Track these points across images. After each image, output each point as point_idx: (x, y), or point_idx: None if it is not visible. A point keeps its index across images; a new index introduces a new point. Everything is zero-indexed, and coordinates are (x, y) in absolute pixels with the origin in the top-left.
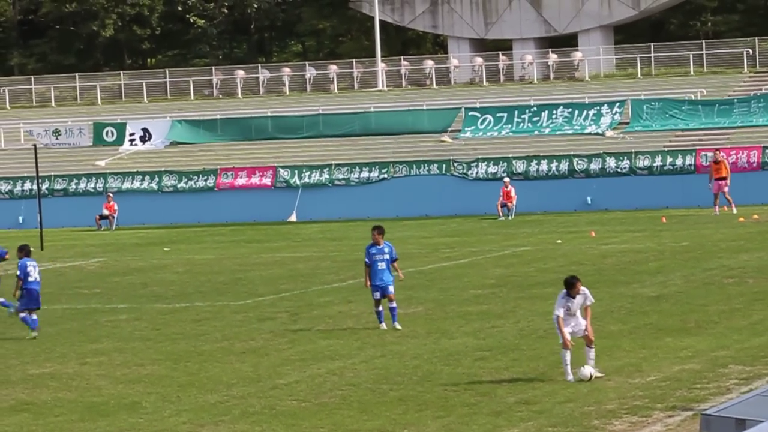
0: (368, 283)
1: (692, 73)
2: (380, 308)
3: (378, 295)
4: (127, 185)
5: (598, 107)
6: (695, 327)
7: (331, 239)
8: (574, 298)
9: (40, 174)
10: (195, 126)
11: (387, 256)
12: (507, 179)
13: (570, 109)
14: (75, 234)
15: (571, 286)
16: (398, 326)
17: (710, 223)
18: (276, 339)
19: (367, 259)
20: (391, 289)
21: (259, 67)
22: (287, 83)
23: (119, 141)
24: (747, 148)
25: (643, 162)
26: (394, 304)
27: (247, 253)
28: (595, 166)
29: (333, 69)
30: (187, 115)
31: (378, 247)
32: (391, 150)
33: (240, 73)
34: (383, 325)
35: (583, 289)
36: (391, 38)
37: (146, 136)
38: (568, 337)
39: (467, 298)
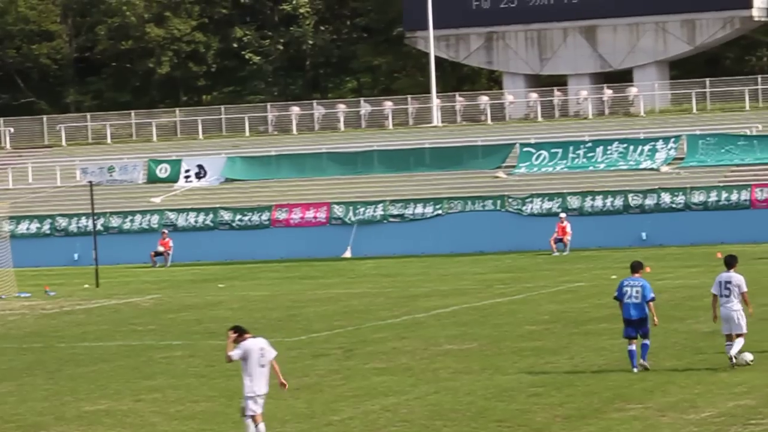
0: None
1: (747, 108)
2: (633, 347)
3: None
4: (182, 222)
5: (653, 143)
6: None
7: (385, 275)
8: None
9: (95, 211)
10: (250, 162)
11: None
12: (563, 214)
13: (625, 145)
14: (130, 270)
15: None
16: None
17: (765, 259)
18: (330, 375)
19: (618, 294)
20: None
21: (314, 104)
22: (342, 119)
23: (173, 177)
24: None
25: (698, 197)
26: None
27: (301, 290)
28: (650, 201)
29: (388, 105)
30: (242, 152)
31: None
32: (446, 186)
33: (295, 110)
34: (635, 369)
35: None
36: (446, 74)
37: (201, 172)
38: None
39: (521, 334)
